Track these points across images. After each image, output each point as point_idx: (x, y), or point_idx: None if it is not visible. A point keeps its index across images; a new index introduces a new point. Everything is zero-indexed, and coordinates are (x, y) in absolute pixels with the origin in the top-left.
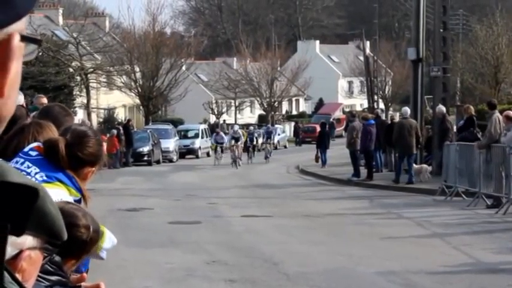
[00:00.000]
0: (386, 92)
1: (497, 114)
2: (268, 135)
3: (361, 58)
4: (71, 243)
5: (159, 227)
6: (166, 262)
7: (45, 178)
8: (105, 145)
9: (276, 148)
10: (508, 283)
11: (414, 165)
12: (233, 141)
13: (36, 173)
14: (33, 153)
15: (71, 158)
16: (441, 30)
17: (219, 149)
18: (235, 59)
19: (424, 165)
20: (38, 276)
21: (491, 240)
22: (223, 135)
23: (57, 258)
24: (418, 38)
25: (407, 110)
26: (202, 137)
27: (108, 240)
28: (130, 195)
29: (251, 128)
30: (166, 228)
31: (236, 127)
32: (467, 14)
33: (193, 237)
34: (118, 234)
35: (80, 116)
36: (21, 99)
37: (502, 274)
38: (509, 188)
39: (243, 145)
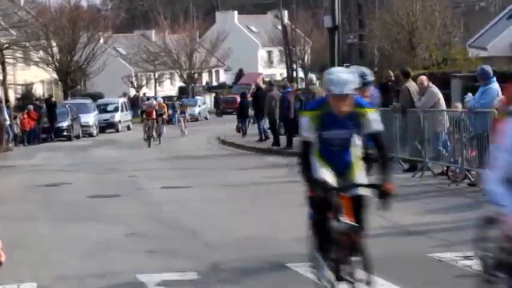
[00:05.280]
0: (305, 61)
1: (408, 85)
2: None
3: (280, 28)
4: None
5: (78, 201)
6: (85, 236)
7: None
8: (25, 121)
9: (196, 120)
10: (423, 244)
11: None
12: None
13: None
14: None
15: None
16: None
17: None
18: (153, 31)
19: None
20: None
21: (408, 203)
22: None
23: None
24: (334, 6)
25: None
26: (122, 111)
27: None
28: (49, 170)
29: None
30: (85, 202)
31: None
32: None
33: (112, 211)
34: (37, 210)
35: None
36: None
37: (418, 236)
38: (424, 152)
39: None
